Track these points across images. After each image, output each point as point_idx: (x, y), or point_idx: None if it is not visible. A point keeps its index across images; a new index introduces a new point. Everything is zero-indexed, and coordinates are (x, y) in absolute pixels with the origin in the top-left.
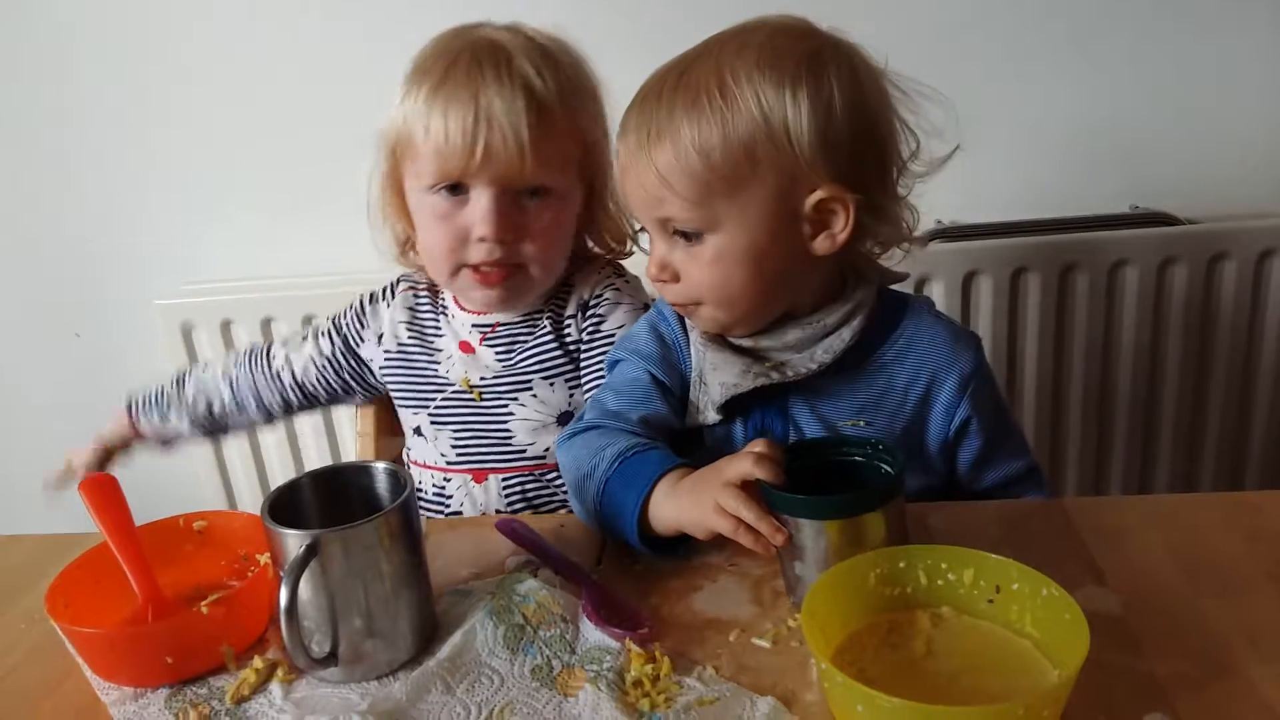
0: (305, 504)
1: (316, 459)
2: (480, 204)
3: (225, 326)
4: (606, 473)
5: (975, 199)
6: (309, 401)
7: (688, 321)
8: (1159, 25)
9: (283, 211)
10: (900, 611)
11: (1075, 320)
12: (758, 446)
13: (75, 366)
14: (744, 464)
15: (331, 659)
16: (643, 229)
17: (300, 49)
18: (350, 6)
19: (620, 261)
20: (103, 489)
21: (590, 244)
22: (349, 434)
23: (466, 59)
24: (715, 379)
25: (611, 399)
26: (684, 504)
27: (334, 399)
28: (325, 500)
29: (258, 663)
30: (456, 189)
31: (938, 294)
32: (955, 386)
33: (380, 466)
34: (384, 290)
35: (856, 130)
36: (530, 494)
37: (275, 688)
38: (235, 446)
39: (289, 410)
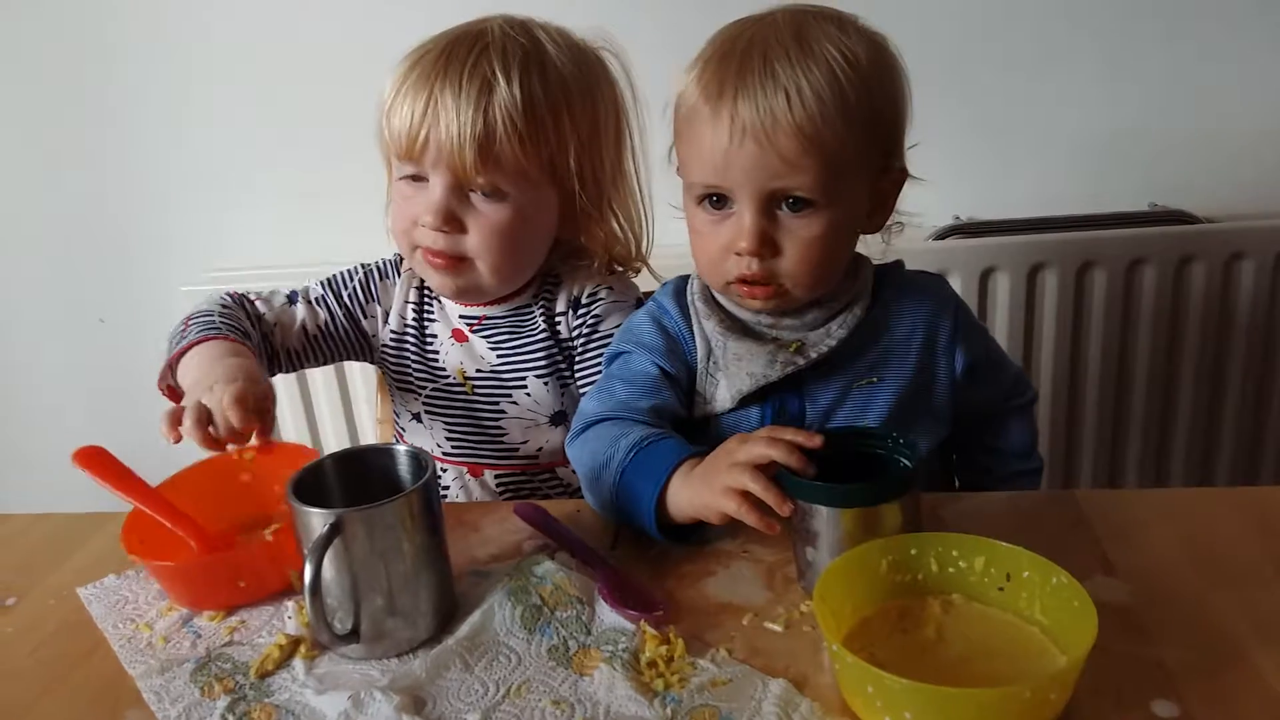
0: (329, 484)
1: (335, 443)
2: (432, 193)
3: None
4: (623, 463)
5: (994, 195)
6: (292, 365)
7: (697, 311)
8: (1179, 25)
9: (308, 199)
10: (911, 598)
11: (1092, 318)
12: (773, 432)
13: (99, 352)
14: (757, 447)
15: (353, 636)
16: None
17: (331, 37)
18: None
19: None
20: (97, 459)
21: (591, 252)
22: (366, 416)
23: (441, 50)
24: (741, 369)
25: (621, 389)
26: (696, 489)
27: (310, 363)
28: (348, 481)
29: (281, 639)
30: (417, 176)
31: (955, 289)
32: (951, 328)
33: (402, 449)
34: (390, 266)
35: (902, 111)
36: (524, 493)
37: (298, 663)
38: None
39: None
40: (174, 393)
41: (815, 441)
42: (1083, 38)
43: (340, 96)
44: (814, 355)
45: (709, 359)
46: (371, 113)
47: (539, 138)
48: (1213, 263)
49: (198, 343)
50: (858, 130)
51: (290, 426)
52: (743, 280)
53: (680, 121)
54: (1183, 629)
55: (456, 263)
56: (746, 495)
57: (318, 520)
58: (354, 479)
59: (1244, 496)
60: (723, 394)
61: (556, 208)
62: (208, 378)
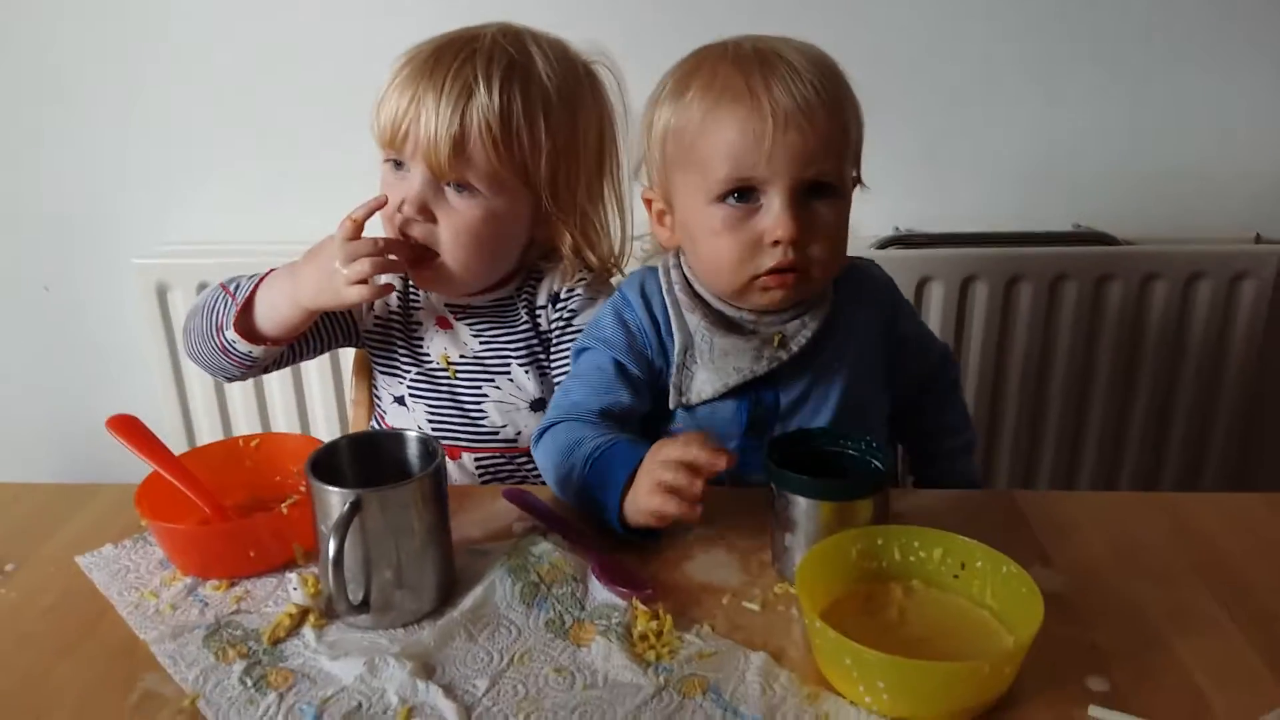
0: (342, 465)
1: (325, 426)
2: (411, 182)
3: (201, 289)
4: (582, 475)
5: (932, 210)
6: (293, 356)
7: (679, 304)
8: (1108, 59)
9: (265, 176)
10: (877, 583)
11: (1017, 328)
12: (687, 438)
13: (44, 321)
14: (674, 450)
15: (364, 606)
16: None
17: (297, 14)
18: None
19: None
20: (131, 426)
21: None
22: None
23: (432, 51)
24: (728, 363)
25: (576, 389)
26: (633, 497)
27: (307, 354)
28: (360, 462)
29: (290, 608)
30: (400, 165)
31: None
32: (891, 311)
33: (412, 435)
34: None
35: (861, 121)
36: (503, 475)
37: (308, 631)
38: (244, 418)
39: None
40: (251, 331)
41: (721, 464)
42: (1018, 67)
43: (305, 74)
44: (794, 349)
45: (687, 351)
46: (335, 92)
47: (512, 143)
48: (1129, 282)
49: (261, 280)
50: (854, 126)
51: (280, 412)
52: (776, 270)
53: (682, 138)
54: (1111, 615)
55: (423, 251)
56: (668, 489)
57: (338, 498)
58: (365, 461)
59: (1161, 501)
60: (701, 386)
61: (529, 211)
62: (313, 257)
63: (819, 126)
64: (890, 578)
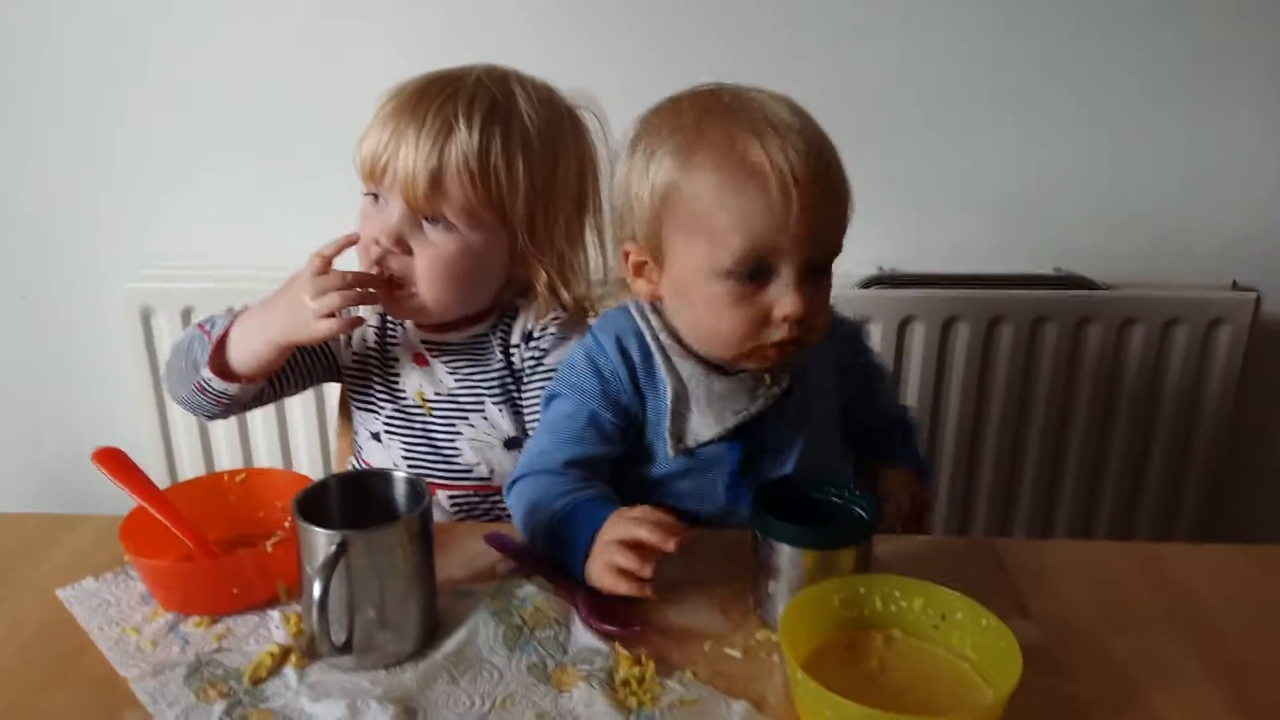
0: (329, 504)
1: (308, 462)
2: (389, 215)
3: (186, 314)
4: (546, 537)
5: (916, 250)
6: (274, 393)
7: (668, 353)
8: (1090, 108)
9: (256, 196)
10: (858, 631)
11: (998, 368)
12: (640, 513)
13: (25, 341)
14: (623, 528)
15: (347, 647)
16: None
17: (283, 32)
18: None
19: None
20: (117, 459)
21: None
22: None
23: (417, 88)
24: (726, 406)
25: (545, 438)
26: (590, 570)
27: (290, 389)
28: (348, 501)
29: (272, 647)
30: (378, 198)
31: (875, 336)
32: (858, 337)
33: (400, 475)
34: None
35: None
36: (477, 513)
37: (289, 671)
38: (226, 447)
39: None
40: (224, 369)
41: (670, 546)
42: (1000, 110)
43: (293, 97)
44: (783, 384)
45: (680, 399)
46: (324, 116)
47: (490, 182)
48: (1108, 325)
49: (236, 318)
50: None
51: (262, 443)
52: (779, 345)
53: (693, 205)
54: (1089, 667)
55: (397, 283)
56: (620, 570)
57: (324, 540)
58: (352, 500)
59: (1139, 551)
60: (699, 430)
61: (505, 248)
62: (284, 292)
63: (836, 206)
64: (872, 626)
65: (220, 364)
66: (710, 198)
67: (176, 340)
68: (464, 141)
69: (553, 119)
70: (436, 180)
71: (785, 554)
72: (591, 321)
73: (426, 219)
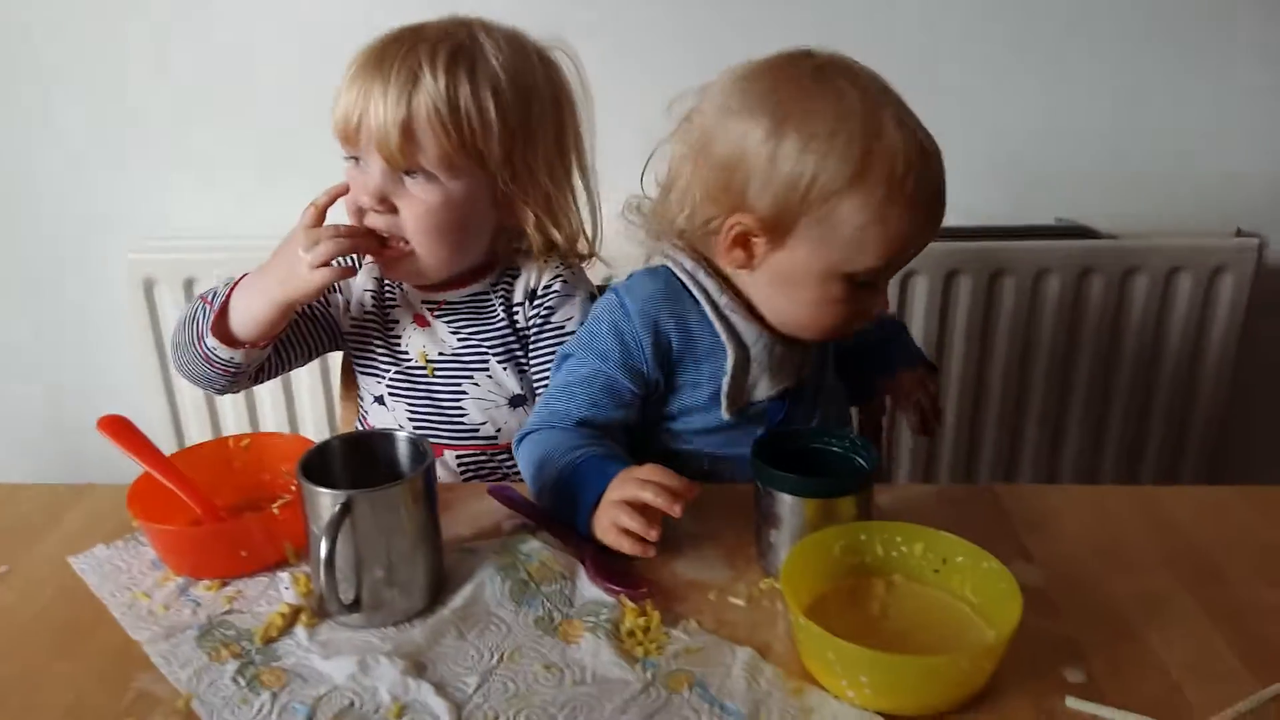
0: (334, 465)
1: (313, 426)
2: (369, 175)
3: (189, 284)
4: (554, 491)
5: None
6: (280, 367)
7: (725, 320)
8: (1092, 59)
9: (251, 170)
10: (859, 578)
11: (1000, 321)
12: (648, 473)
13: (32, 316)
14: (630, 489)
15: (356, 606)
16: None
17: (289, 7)
18: None
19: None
20: (122, 426)
21: (529, 239)
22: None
23: (380, 45)
24: (785, 367)
25: (560, 400)
26: (597, 526)
27: (296, 362)
28: (351, 463)
29: (283, 608)
30: (359, 161)
31: None
32: None
33: (403, 435)
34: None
35: None
36: (484, 472)
37: (300, 631)
38: (233, 414)
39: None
40: (228, 336)
41: (675, 512)
42: (1003, 62)
43: (295, 74)
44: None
45: (740, 364)
46: (326, 89)
47: (461, 126)
48: (1110, 275)
49: (235, 284)
50: None
51: (269, 410)
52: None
53: (851, 217)
54: (1088, 609)
55: (387, 241)
56: (625, 530)
57: (329, 500)
58: (356, 461)
59: (1138, 494)
60: (757, 390)
61: (489, 194)
62: (279, 251)
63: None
64: (873, 573)
65: (224, 330)
66: (870, 217)
67: (181, 315)
68: (431, 89)
69: (520, 59)
70: (408, 131)
71: (787, 504)
72: (613, 282)
73: (406, 174)
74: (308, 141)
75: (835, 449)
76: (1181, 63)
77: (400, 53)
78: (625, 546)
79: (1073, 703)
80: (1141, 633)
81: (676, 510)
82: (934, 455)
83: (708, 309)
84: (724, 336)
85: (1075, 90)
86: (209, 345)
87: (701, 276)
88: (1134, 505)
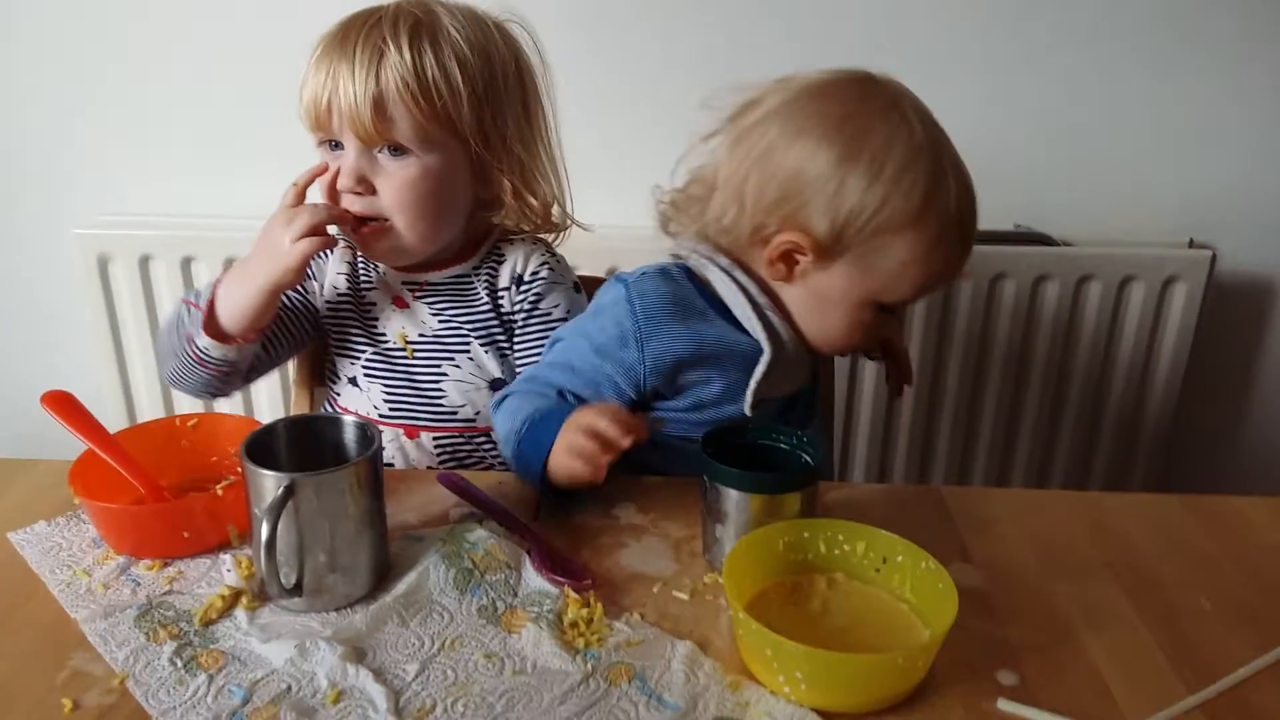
0: (278, 448)
1: (268, 407)
2: (345, 156)
3: (144, 262)
4: (519, 437)
5: None
6: (271, 361)
7: (764, 317)
8: (1051, 66)
9: (210, 149)
10: (802, 574)
11: (957, 324)
12: (604, 407)
13: None
14: (587, 416)
15: (297, 590)
16: None
17: None
18: None
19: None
20: (65, 402)
21: (506, 217)
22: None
23: (341, 28)
24: (800, 364)
25: (549, 375)
26: (553, 457)
27: (288, 353)
28: (296, 446)
29: (223, 590)
30: (335, 145)
31: None
32: None
33: (350, 420)
34: None
35: None
36: (461, 455)
37: (240, 614)
38: (187, 402)
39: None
40: (219, 333)
41: (624, 443)
42: (963, 66)
43: (252, 47)
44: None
45: (772, 361)
46: (283, 64)
47: (431, 95)
48: (1065, 282)
49: (218, 281)
50: None
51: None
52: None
53: (902, 255)
54: (1025, 612)
55: (373, 225)
56: (578, 453)
57: (272, 482)
58: (302, 444)
59: (1082, 500)
60: (778, 386)
61: (465, 163)
62: (260, 238)
63: None
64: (815, 570)
65: (214, 328)
66: (917, 255)
67: (162, 323)
68: (397, 62)
69: (479, 29)
70: (380, 106)
71: (732, 498)
72: (620, 273)
73: (381, 151)
74: (263, 121)
75: (782, 445)
76: (1142, 73)
77: (363, 31)
78: (577, 468)
79: (1004, 705)
80: (1077, 636)
81: (625, 442)
82: (888, 457)
83: (747, 307)
84: (762, 335)
85: (1035, 97)
86: (201, 345)
87: (739, 275)
88: (1077, 511)
